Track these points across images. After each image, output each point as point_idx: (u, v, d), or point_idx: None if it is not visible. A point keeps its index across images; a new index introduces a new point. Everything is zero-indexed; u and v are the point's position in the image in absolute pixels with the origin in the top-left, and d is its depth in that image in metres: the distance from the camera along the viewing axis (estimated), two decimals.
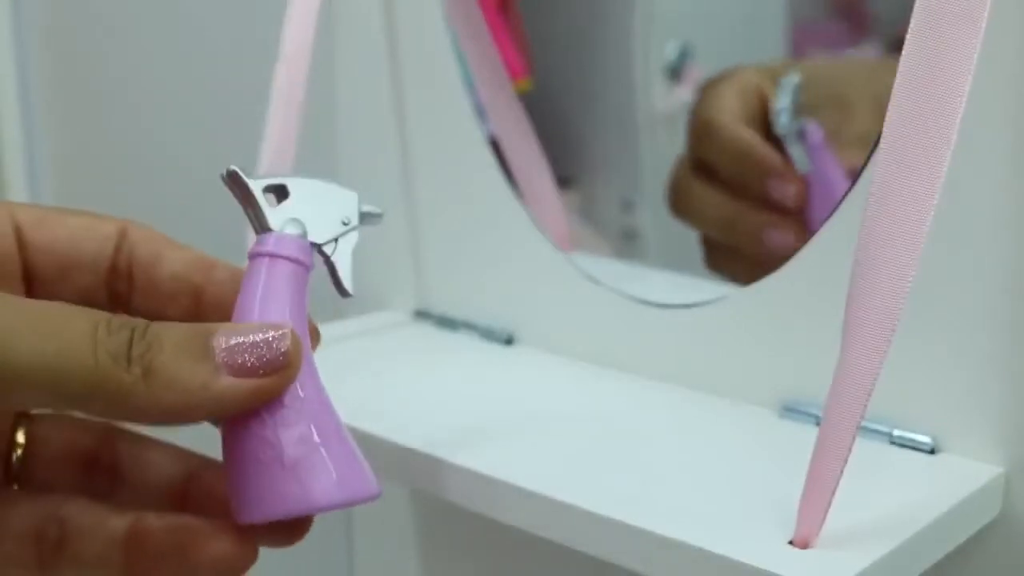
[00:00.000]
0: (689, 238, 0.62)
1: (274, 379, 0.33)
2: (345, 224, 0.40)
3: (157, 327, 0.32)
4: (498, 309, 0.62)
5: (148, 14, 0.89)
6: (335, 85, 0.68)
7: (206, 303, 0.39)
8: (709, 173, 0.60)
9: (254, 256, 0.38)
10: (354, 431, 0.49)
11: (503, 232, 0.61)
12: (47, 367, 0.30)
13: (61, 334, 0.30)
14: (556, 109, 0.72)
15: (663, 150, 0.67)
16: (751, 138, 0.58)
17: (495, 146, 0.61)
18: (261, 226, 0.39)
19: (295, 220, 0.39)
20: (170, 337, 0.32)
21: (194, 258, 0.40)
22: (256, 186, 0.39)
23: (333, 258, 0.40)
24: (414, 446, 0.47)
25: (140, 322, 0.32)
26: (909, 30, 0.36)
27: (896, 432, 0.47)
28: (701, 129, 0.61)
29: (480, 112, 0.62)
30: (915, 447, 0.46)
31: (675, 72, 0.66)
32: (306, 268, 0.39)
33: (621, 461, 0.46)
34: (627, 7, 0.68)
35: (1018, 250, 0.43)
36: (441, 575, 0.73)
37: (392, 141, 0.66)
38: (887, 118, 0.37)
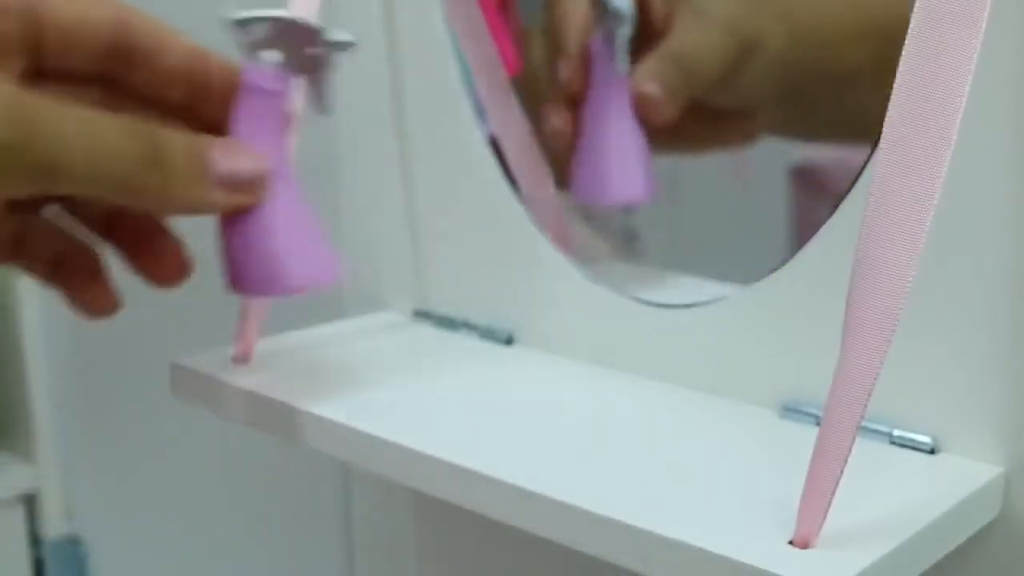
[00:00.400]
0: (689, 238, 0.62)
1: (252, 196, 0.45)
2: (316, 53, 0.50)
3: (167, 137, 0.43)
4: (498, 309, 0.62)
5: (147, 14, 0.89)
6: (334, 84, 0.67)
7: (202, 94, 0.47)
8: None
9: (243, 87, 0.48)
10: (354, 432, 0.50)
11: (503, 232, 0.61)
12: (90, 176, 0.41)
13: (102, 146, 0.40)
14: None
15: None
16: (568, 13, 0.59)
17: (495, 146, 0.61)
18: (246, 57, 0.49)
19: (273, 52, 0.49)
20: (179, 150, 0.43)
21: (192, 51, 0.47)
22: (242, 25, 0.49)
23: (309, 83, 0.51)
24: (414, 447, 0.47)
25: (155, 132, 0.43)
26: (909, 30, 0.36)
27: (896, 432, 0.47)
28: None
29: (480, 112, 0.62)
30: (915, 447, 0.46)
31: None
32: (279, 94, 0.50)
33: (621, 461, 0.46)
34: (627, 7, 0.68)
35: (1018, 250, 0.43)
36: (440, 575, 0.73)
37: (391, 141, 0.66)
38: (887, 118, 0.37)
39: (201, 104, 0.47)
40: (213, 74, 0.47)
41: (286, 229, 0.48)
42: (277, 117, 0.50)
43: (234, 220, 0.47)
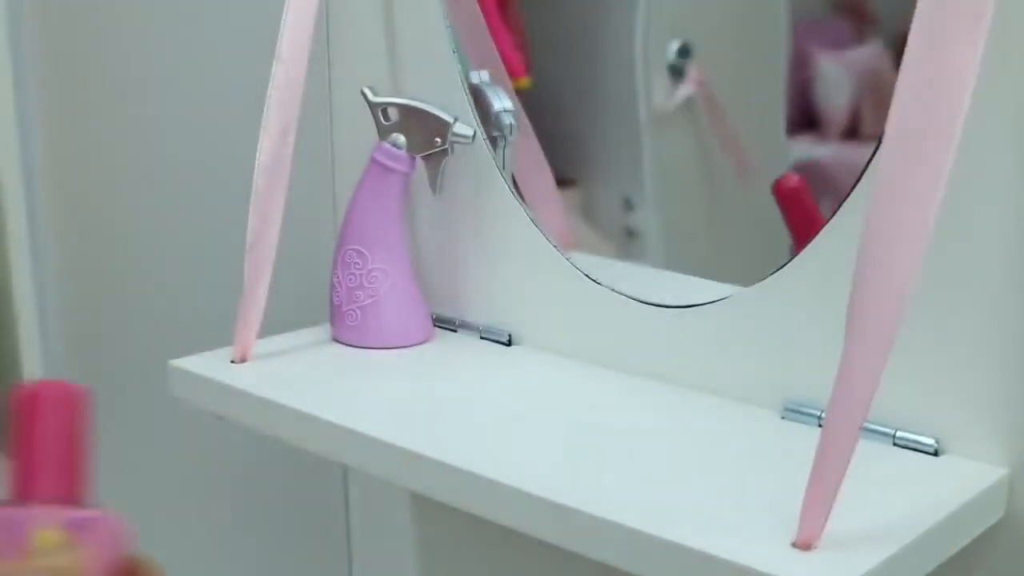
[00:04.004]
0: (690, 238, 0.62)
1: None
2: (438, 142, 0.57)
3: None
4: (498, 309, 0.61)
5: (147, 15, 0.89)
6: (333, 84, 0.67)
7: None
8: None
9: (371, 161, 0.58)
10: (354, 433, 0.49)
11: (503, 232, 0.60)
12: None
13: None
14: (557, 108, 0.72)
15: (665, 150, 0.67)
16: None
17: (495, 146, 0.61)
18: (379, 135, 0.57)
19: (399, 135, 0.58)
20: None
21: None
22: (375, 105, 0.58)
23: (427, 167, 0.58)
24: (414, 447, 0.47)
25: None
26: (912, 29, 0.36)
27: (899, 433, 0.46)
28: None
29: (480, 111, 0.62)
30: (919, 449, 0.46)
31: (676, 71, 0.66)
32: (402, 174, 0.58)
33: (621, 462, 0.46)
34: (629, 7, 0.68)
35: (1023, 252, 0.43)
36: (439, 575, 0.73)
37: None
38: (890, 117, 0.37)
39: None
40: None
41: (389, 297, 0.58)
42: (396, 193, 0.58)
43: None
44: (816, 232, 0.48)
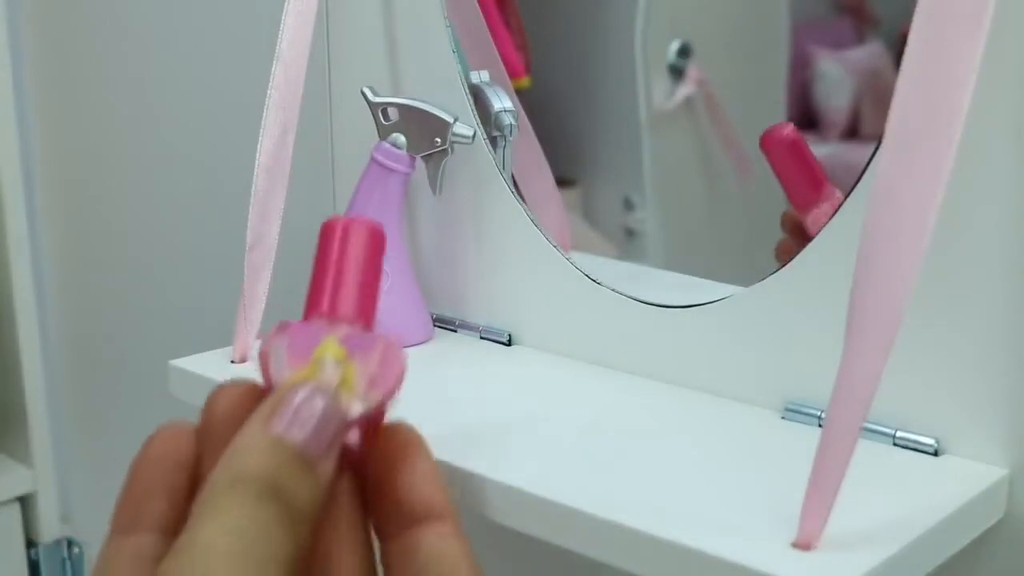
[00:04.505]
0: (690, 238, 0.62)
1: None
2: (438, 142, 0.57)
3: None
4: (498, 309, 0.61)
5: (147, 15, 0.89)
6: (333, 84, 0.67)
7: None
8: None
9: (371, 161, 0.58)
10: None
11: (503, 232, 0.60)
12: None
13: None
14: (557, 108, 0.72)
15: (664, 150, 0.67)
16: None
17: (495, 146, 0.61)
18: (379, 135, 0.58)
19: (399, 135, 0.58)
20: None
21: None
22: (375, 105, 0.59)
23: (428, 167, 0.58)
24: None
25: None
26: (911, 29, 0.36)
27: (900, 433, 0.46)
28: None
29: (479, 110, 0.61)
30: (919, 449, 0.46)
31: (676, 71, 0.66)
32: (401, 174, 0.58)
33: (621, 463, 0.46)
34: (629, 7, 0.68)
35: None
36: None
37: None
38: (890, 117, 0.37)
39: None
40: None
41: (389, 297, 0.55)
42: (396, 193, 0.57)
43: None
44: (821, 193, 0.47)
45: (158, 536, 0.33)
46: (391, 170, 0.58)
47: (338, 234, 0.37)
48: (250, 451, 0.31)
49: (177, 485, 0.34)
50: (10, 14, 0.99)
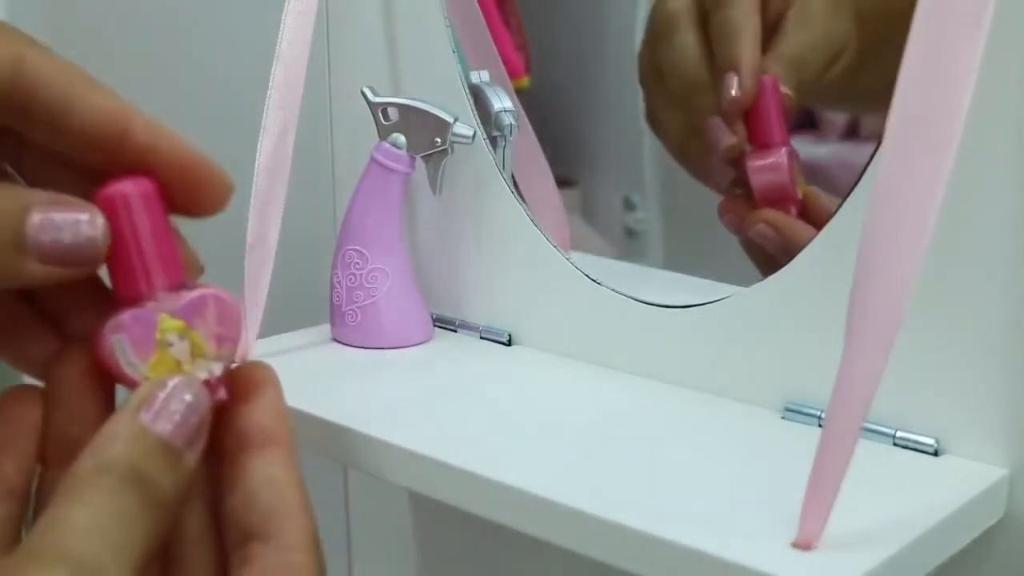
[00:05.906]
0: (691, 238, 0.62)
1: (79, 270, 0.34)
2: (438, 142, 0.57)
3: None
4: (498, 309, 0.61)
5: (146, 15, 0.89)
6: (333, 84, 0.67)
7: (118, 160, 0.36)
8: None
9: (371, 161, 0.58)
10: (353, 433, 0.49)
11: (503, 232, 0.60)
12: None
13: None
14: (558, 108, 0.72)
15: (665, 150, 0.67)
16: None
17: (495, 146, 0.61)
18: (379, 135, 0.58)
19: (399, 135, 0.58)
20: None
21: (110, 110, 0.36)
22: (375, 105, 0.58)
23: (428, 167, 0.59)
24: (413, 447, 0.47)
25: None
26: (912, 30, 0.36)
27: (900, 433, 0.46)
28: None
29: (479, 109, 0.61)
30: (919, 449, 0.46)
31: None
32: (401, 174, 0.58)
33: (622, 463, 0.46)
34: (629, 7, 0.68)
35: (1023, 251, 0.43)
36: (438, 575, 0.73)
37: None
38: (890, 117, 0.37)
39: (118, 172, 0.36)
40: (133, 139, 0.36)
41: (389, 297, 0.59)
42: (395, 193, 0.58)
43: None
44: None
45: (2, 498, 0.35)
46: (391, 170, 0.58)
47: (120, 213, 0.34)
48: (116, 439, 0.32)
49: (24, 449, 0.36)
50: (10, 14, 0.99)
